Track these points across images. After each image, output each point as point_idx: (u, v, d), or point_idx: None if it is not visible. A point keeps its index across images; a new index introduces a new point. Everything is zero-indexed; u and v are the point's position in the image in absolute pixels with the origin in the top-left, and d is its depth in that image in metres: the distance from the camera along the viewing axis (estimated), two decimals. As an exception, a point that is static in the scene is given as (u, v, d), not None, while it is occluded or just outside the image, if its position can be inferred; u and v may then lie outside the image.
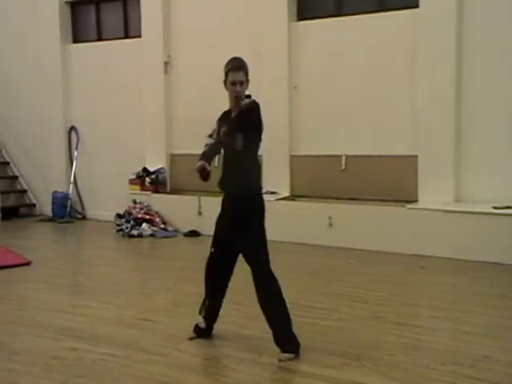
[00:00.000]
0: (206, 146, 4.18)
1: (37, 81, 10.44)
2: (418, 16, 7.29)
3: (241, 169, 4.09)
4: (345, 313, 4.94)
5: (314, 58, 8.13)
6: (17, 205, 10.73)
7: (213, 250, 4.28)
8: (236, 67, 4.05)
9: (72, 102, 10.36)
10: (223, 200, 4.22)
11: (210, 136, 4.21)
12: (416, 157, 7.39)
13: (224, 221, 4.19)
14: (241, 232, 4.13)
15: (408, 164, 7.48)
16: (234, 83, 4.02)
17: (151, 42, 9.32)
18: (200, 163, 3.98)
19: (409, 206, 7.20)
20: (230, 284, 4.35)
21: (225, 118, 4.17)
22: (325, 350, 4.11)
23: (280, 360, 3.96)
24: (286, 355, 3.99)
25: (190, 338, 4.34)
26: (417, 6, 7.30)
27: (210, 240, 4.35)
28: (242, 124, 3.95)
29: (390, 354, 4.02)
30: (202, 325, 4.35)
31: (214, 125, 4.23)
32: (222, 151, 4.19)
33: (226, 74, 4.06)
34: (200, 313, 4.37)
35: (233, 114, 4.07)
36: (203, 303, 4.37)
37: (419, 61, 7.31)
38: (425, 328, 4.71)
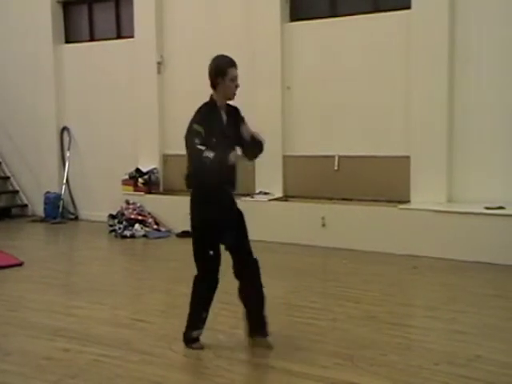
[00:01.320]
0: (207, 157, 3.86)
1: (29, 81, 10.38)
2: (411, 17, 7.31)
3: (237, 171, 4.17)
4: (339, 313, 4.95)
5: (307, 58, 8.14)
6: (9, 205, 10.67)
7: (212, 252, 4.15)
8: (234, 64, 4.07)
9: (64, 102, 10.31)
10: (224, 200, 4.14)
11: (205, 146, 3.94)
12: (408, 157, 7.42)
13: (227, 221, 4.12)
14: (243, 227, 4.23)
15: (400, 164, 7.50)
16: (234, 79, 4.05)
17: (144, 42, 9.29)
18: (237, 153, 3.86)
19: (401, 206, 7.22)
20: (220, 285, 4.32)
21: (214, 115, 4.09)
22: (318, 350, 4.12)
23: (268, 346, 4.11)
24: (269, 339, 4.13)
25: (202, 348, 4.18)
26: (409, 7, 7.33)
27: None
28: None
29: (384, 354, 4.03)
30: (198, 333, 4.23)
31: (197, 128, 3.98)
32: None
33: (224, 71, 4.01)
34: (195, 328, 4.18)
35: (224, 116, 4.09)
36: (199, 317, 4.18)
37: (413, 61, 7.33)
38: (418, 328, 4.73)
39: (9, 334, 4.56)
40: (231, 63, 4.05)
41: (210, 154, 3.83)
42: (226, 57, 4.11)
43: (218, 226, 4.14)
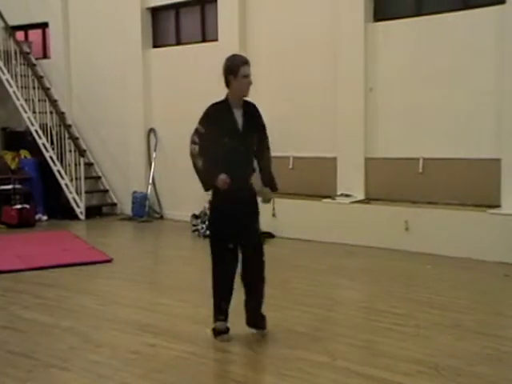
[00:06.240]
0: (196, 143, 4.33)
1: (119, 85, 10.83)
2: (505, 13, 6.98)
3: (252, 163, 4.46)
4: (422, 319, 4.81)
5: (391, 59, 7.98)
6: (100, 204, 11.18)
7: (231, 245, 4.36)
8: (247, 61, 4.27)
9: (151, 104, 10.69)
10: (237, 194, 4.26)
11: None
12: (499, 160, 7.09)
13: (242, 214, 4.32)
14: (257, 217, 4.47)
15: (490, 168, 7.18)
16: (247, 76, 4.25)
17: (228, 45, 9.41)
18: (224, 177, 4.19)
19: (491, 211, 6.91)
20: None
21: (225, 115, 4.30)
22: (400, 357, 4.02)
23: (264, 334, 4.34)
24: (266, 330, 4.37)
25: (228, 340, 4.32)
26: (503, 2, 6.99)
27: (218, 240, 4.38)
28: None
29: (471, 365, 3.87)
30: (224, 326, 4.36)
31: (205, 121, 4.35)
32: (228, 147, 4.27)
33: (236, 69, 4.21)
34: (217, 320, 4.35)
35: (235, 110, 4.30)
36: (219, 308, 4.36)
37: (505, 60, 6.99)
38: (510, 339, 4.49)
39: (100, 327, 4.78)
40: (243, 61, 4.27)
41: (199, 163, 4.28)
42: (239, 55, 4.38)
43: (232, 221, 4.45)
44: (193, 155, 4.38)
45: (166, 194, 10.52)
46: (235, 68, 4.23)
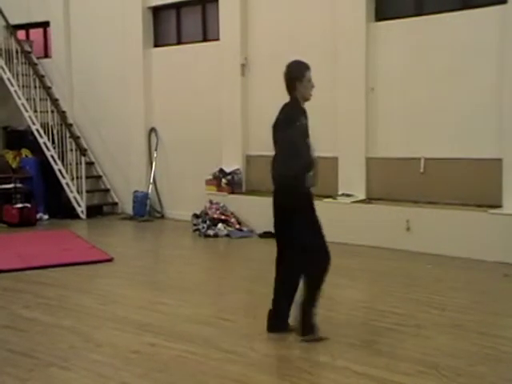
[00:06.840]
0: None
1: (120, 84, 10.85)
2: (507, 12, 6.97)
3: None
4: (422, 319, 4.81)
5: (392, 58, 7.98)
6: (101, 203, 11.19)
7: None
8: (309, 67, 4.41)
9: (152, 104, 10.69)
10: (311, 193, 4.60)
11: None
12: (500, 160, 7.08)
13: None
14: None
15: (491, 168, 7.17)
16: (310, 80, 4.39)
17: (229, 44, 9.46)
18: None
19: (492, 211, 6.91)
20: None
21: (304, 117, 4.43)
22: (400, 357, 4.02)
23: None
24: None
25: (322, 338, 4.31)
26: (505, 2, 6.99)
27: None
28: None
29: (471, 365, 3.87)
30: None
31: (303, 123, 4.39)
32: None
33: (302, 74, 4.32)
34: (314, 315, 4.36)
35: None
36: (315, 304, 4.36)
37: (506, 60, 6.99)
38: (509, 339, 4.49)
39: (100, 327, 4.79)
40: (306, 66, 4.40)
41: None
42: (300, 61, 4.45)
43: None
44: (311, 164, 4.56)
45: (167, 193, 10.53)
46: (301, 73, 4.35)
